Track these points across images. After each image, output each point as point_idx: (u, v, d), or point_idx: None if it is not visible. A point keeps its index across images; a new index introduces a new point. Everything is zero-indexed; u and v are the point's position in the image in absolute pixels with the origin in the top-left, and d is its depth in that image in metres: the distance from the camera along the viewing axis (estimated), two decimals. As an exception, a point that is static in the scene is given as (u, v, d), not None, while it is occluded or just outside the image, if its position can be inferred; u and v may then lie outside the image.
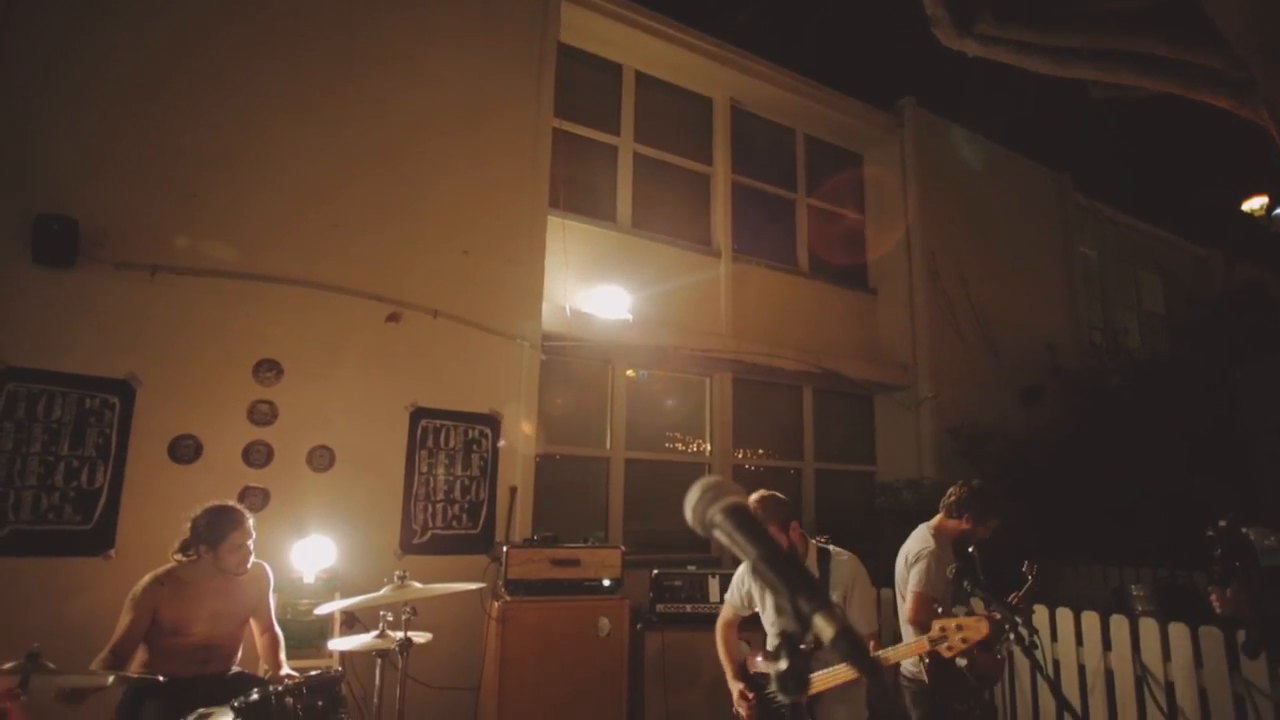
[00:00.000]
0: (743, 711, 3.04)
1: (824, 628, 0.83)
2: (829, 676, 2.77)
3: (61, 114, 4.05)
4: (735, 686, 3.11)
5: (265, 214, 4.53)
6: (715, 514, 0.96)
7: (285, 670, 3.36)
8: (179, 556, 3.20)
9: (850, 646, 0.83)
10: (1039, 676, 4.34)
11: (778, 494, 3.08)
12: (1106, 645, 4.53)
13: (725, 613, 3.33)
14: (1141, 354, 8.29)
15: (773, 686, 2.81)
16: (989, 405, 7.27)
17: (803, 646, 0.84)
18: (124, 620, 3.06)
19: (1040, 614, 4.60)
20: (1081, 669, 4.58)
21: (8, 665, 2.26)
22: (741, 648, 3.25)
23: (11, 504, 3.73)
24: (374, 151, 4.92)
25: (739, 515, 0.95)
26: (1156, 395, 6.98)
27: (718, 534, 0.96)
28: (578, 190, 6.00)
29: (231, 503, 3.35)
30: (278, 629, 3.53)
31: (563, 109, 5.91)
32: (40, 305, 3.89)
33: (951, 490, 3.60)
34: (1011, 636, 2.55)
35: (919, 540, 3.48)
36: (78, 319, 3.96)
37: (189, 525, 3.21)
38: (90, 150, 4.11)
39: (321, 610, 3.57)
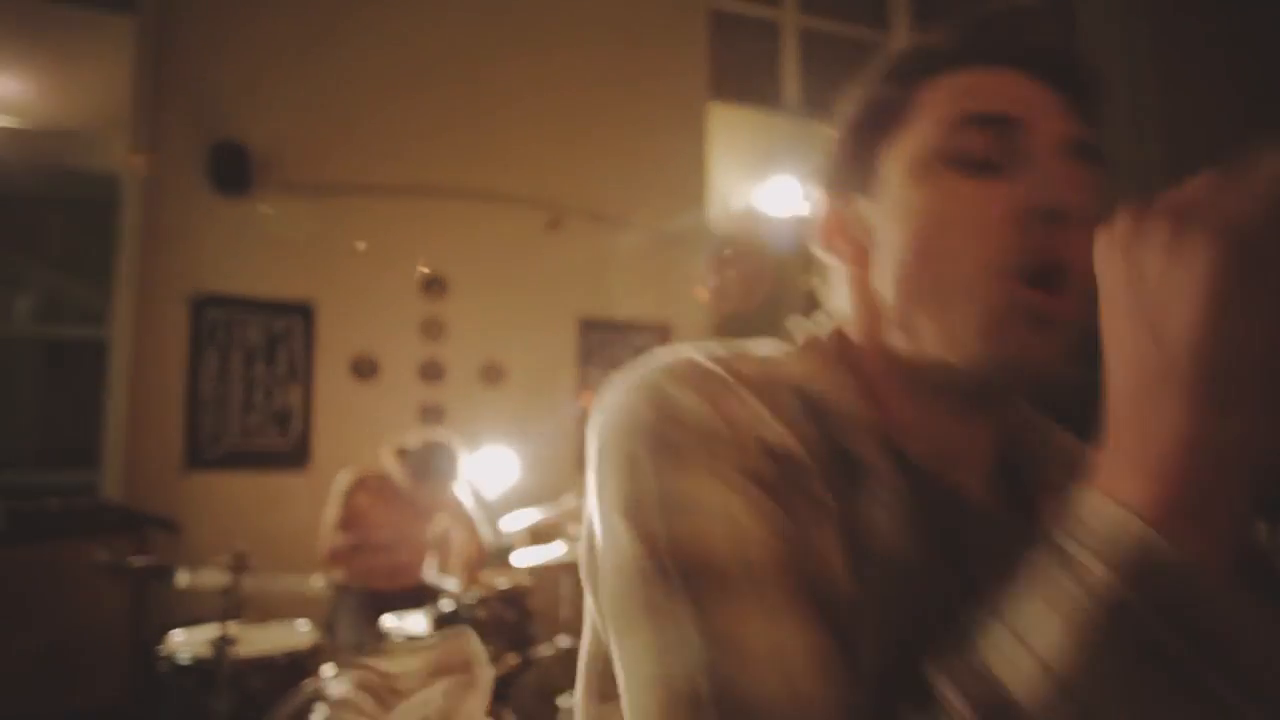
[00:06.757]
0: None
1: None
2: None
3: (226, 49, 4.06)
4: None
5: (420, 127, 4.38)
6: None
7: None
8: (392, 462, 3.16)
9: None
10: None
11: None
12: None
13: None
14: None
15: None
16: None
17: None
18: (333, 514, 3.09)
19: None
20: None
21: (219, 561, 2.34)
22: None
23: (224, 423, 3.95)
24: (524, 50, 4.62)
25: None
26: None
27: None
28: (738, 74, 5.41)
29: (444, 444, 3.17)
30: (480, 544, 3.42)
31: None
32: (224, 233, 3.99)
33: None
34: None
35: None
36: (256, 244, 4.03)
37: (404, 448, 3.14)
38: (253, 84, 4.11)
39: (506, 525, 3.47)
